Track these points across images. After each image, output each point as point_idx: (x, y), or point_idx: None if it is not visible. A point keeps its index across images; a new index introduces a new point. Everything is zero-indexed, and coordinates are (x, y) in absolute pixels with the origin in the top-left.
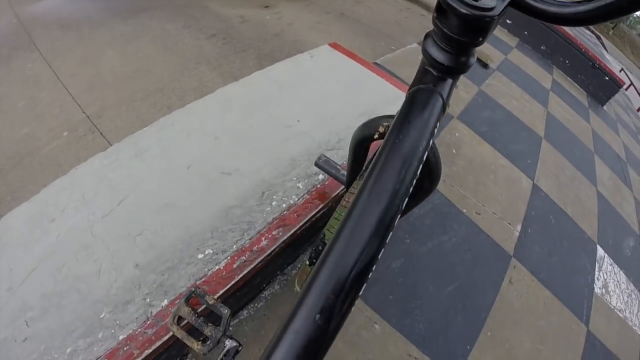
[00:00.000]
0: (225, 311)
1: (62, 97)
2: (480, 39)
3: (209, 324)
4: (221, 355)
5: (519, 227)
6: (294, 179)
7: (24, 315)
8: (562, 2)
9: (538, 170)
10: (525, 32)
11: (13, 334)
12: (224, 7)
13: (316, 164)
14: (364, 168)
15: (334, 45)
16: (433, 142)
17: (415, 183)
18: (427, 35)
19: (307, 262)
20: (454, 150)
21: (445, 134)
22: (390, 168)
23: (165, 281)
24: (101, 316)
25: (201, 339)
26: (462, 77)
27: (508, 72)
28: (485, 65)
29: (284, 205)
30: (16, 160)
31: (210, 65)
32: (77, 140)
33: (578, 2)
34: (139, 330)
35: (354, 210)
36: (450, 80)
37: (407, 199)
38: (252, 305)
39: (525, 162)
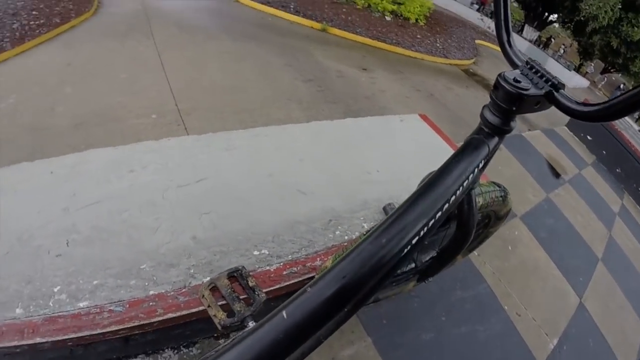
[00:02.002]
0: (262, 295)
1: (162, 85)
2: (514, 108)
3: (241, 302)
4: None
5: (555, 341)
6: (361, 218)
7: (68, 236)
8: (584, 102)
9: (588, 290)
10: (604, 152)
11: (49, 245)
12: (326, 58)
13: (384, 209)
14: None
15: (423, 117)
16: (472, 194)
17: (447, 231)
18: (484, 107)
19: None
20: (509, 247)
21: (505, 229)
22: (422, 194)
23: (215, 261)
24: (141, 267)
25: (226, 313)
26: (532, 181)
27: (579, 187)
28: (557, 175)
29: (346, 237)
30: (102, 120)
31: (300, 105)
32: (162, 126)
33: (596, 104)
34: (171, 293)
35: (373, 232)
36: (496, 138)
37: (426, 230)
38: None
39: (577, 278)
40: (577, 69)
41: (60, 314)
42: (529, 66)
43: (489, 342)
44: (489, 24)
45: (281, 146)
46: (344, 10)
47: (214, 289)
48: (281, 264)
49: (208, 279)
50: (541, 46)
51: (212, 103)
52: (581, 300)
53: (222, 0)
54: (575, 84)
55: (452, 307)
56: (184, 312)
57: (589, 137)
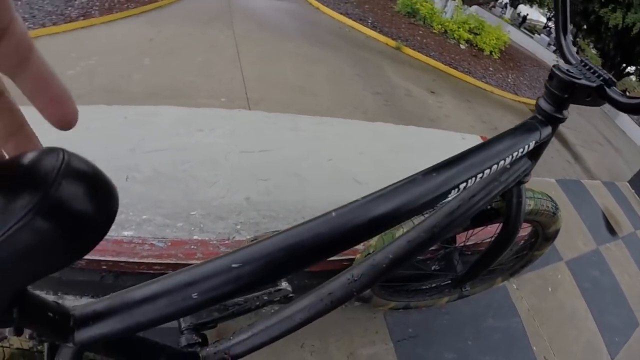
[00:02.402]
0: None
1: (235, 73)
2: (566, 95)
3: None
4: (272, 290)
5: None
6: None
7: (129, 172)
8: (633, 96)
9: (622, 353)
10: None
11: (109, 177)
12: (397, 76)
13: None
14: None
15: (485, 139)
16: (522, 189)
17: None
18: (538, 98)
19: None
20: (549, 289)
21: (548, 270)
22: (472, 151)
23: (262, 223)
24: (191, 213)
25: None
26: (584, 230)
27: (631, 247)
28: (611, 230)
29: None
30: (173, 94)
31: (365, 115)
32: (230, 109)
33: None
34: (214, 241)
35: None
36: (549, 127)
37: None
38: None
39: (613, 338)
40: None
41: None
42: (583, 63)
43: None
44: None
45: (344, 137)
46: (420, 32)
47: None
48: None
49: (252, 236)
50: None
51: (280, 98)
52: None
53: (304, 5)
54: None
55: (481, 333)
56: None
57: None
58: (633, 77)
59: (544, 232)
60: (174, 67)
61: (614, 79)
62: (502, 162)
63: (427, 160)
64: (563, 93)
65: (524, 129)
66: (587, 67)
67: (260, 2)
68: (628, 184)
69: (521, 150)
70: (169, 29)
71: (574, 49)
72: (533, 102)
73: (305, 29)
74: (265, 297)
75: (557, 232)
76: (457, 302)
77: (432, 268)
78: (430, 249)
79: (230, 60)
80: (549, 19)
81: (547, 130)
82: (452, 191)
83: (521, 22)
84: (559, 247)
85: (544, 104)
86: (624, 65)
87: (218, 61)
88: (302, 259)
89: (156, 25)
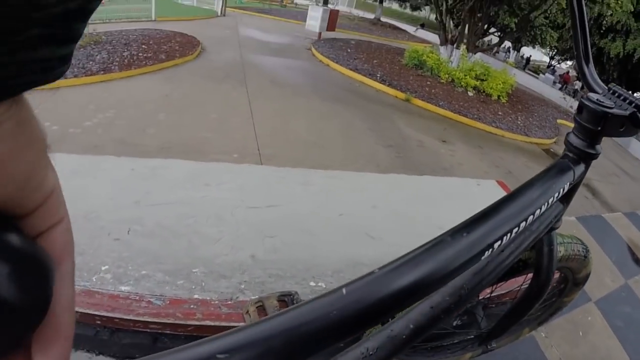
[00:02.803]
0: None
1: (248, 130)
2: (599, 128)
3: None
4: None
5: None
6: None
7: (132, 225)
8: None
9: None
10: None
11: (111, 229)
12: (408, 127)
13: None
14: None
15: (501, 183)
16: (554, 235)
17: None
18: (568, 133)
19: None
20: (580, 333)
21: (577, 313)
22: (504, 202)
23: (268, 282)
24: (193, 270)
25: None
26: (610, 265)
27: None
28: (638, 262)
29: None
30: (186, 149)
31: (377, 168)
32: (238, 164)
33: None
34: (215, 302)
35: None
36: (582, 165)
37: (504, 244)
38: None
39: None
40: None
41: (99, 290)
42: (611, 91)
43: None
44: (571, 104)
45: (356, 190)
46: (428, 83)
47: (260, 307)
48: None
49: (257, 297)
50: None
51: (292, 154)
52: None
53: (314, 63)
54: None
55: None
56: (223, 324)
57: None
58: None
59: (574, 278)
60: (188, 123)
61: None
62: (537, 212)
63: (443, 210)
64: (596, 126)
65: (557, 170)
66: (617, 94)
67: (272, 60)
68: None
69: (556, 195)
70: (184, 85)
71: (598, 78)
72: (545, 141)
73: (316, 85)
74: None
75: (587, 276)
76: (481, 358)
77: (454, 324)
78: (456, 313)
79: (243, 117)
80: (551, 58)
81: (581, 168)
82: (486, 252)
83: (525, 64)
84: (586, 288)
85: (575, 140)
86: (630, 92)
87: (231, 117)
88: (305, 347)
89: (172, 82)
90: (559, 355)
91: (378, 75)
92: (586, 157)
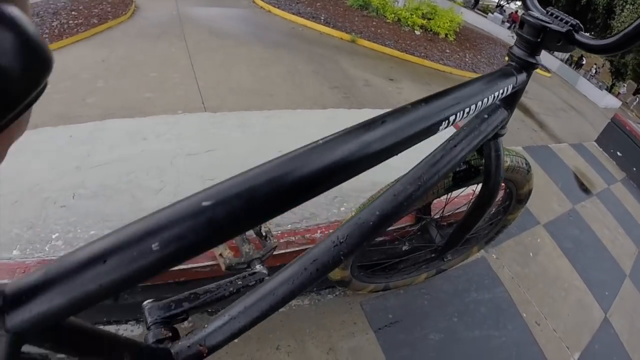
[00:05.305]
0: (273, 241)
1: (190, 84)
2: (539, 40)
3: (251, 245)
4: (246, 274)
5: (576, 355)
6: (368, 198)
7: (76, 190)
8: (601, 38)
9: (614, 306)
10: (634, 169)
11: (56, 197)
12: (354, 68)
13: None
14: None
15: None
16: (500, 142)
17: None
18: (510, 47)
19: None
20: (530, 254)
21: (527, 236)
22: (442, 92)
23: None
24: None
25: (233, 253)
26: (557, 191)
27: (607, 202)
28: (585, 189)
29: (350, 214)
30: (130, 113)
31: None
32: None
33: (612, 36)
34: None
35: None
36: (523, 74)
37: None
38: None
39: (602, 292)
40: (610, 89)
41: (52, 258)
42: (549, 13)
43: (503, 349)
44: None
45: (294, 128)
46: (374, 23)
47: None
48: (279, 232)
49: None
50: (573, 65)
51: (238, 103)
52: (606, 315)
53: (255, 10)
54: (607, 104)
55: (466, 308)
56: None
57: (618, 154)
58: None
59: (518, 194)
60: (128, 86)
61: (581, 24)
62: (485, 100)
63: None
64: (535, 37)
65: (501, 73)
66: (555, 15)
67: (210, 11)
68: (595, 144)
69: (501, 91)
70: (120, 48)
71: (537, 3)
72: None
73: (258, 33)
74: (240, 282)
75: (529, 193)
76: (436, 281)
77: (410, 245)
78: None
79: (184, 72)
80: None
81: (523, 76)
82: (443, 123)
83: (474, 4)
84: (534, 212)
85: (517, 51)
86: None
87: (172, 74)
88: (288, 196)
89: (107, 46)
90: (511, 275)
91: (322, 17)
92: (527, 67)
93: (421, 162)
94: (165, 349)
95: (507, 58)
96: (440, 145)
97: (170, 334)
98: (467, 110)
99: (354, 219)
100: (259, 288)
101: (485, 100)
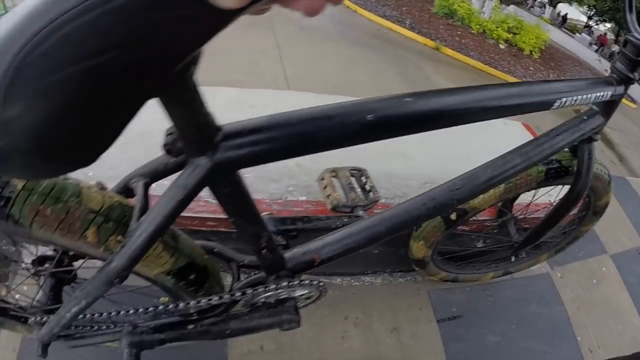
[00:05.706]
0: (377, 195)
1: (277, 71)
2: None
3: (357, 193)
4: (351, 217)
5: None
6: None
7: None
8: None
9: None
10: None
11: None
12: (436, 75)
13: None
14: None
15: (527, 126)
16: (593, 147)
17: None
18: (612, 61)
19: None
20: (594, 280)
21: (593, 262)
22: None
23: (314, 186)
24: (246, 175)
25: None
26: (629, 226)
27: None
28: None
29: None
30: None
31: None
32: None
33: None
34: (267, 200)
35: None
36: (622, 87)
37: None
38: None
39: None
40: None
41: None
42: None
43: None
44: (606, 67)
45: None
46: (458, 32)
47: (334, 175)
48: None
49: (304, 197)
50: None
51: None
52: None
53: (342, 8)
54: None
55: (524, 318)
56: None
57: None
58: None
59: (595, 204)
60: (219, 68)
61: None
62: (587, 96)
63: (476, 145)
64: (636, 56)
65: (604, 79)
66: None
67: None
68: None
69: (601, 94)
70: None
71: (637, 24)
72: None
73: (345, 31)
74: (346, 220)
75: (606, 205)
76: (500, 285)
77: (487, 241)
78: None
79: (272, 61)
80: (589, 18)
81: (621, 88)
82: (556, 102)
83: (562, 22)
84: (603, 240)
85: (619, 66)
86: None
87: (261, 61)
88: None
89: None
90: (572, 297)
91: (407, 22)
92: (626, 80)
93: (528, 142)
94: (278, 253)
95: (609, 70)
96: (545, 132)
97: (285, 243)
98: (573, 98)
99: (470, 172)
100: (378, 215)
101: (587, 96)
